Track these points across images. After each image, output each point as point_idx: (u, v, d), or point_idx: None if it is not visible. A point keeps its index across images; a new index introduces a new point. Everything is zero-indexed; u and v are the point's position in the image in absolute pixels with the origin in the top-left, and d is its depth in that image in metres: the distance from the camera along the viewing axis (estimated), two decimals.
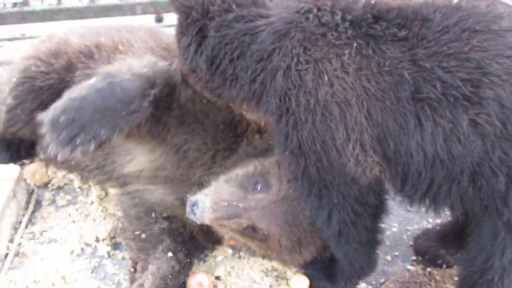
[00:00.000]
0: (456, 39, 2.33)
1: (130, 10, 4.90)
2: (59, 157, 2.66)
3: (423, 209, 2.61)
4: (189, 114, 2.94)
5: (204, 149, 3.01)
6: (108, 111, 2.66)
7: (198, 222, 2.75)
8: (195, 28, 2.68)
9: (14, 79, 3.56)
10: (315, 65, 2.43)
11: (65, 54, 3.50)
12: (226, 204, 2.69)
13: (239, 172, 2.85)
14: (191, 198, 2.73)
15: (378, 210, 2.75)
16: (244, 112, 2.94)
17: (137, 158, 3.17)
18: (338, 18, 2.45)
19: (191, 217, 2.72)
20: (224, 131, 3.01)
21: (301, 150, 2.54)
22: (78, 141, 2.59)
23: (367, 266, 2.92)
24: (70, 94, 2.72)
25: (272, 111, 2.57)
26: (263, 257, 3.06)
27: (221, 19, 2.62)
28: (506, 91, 2.26)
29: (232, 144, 3.01)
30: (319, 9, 2.49)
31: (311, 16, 2.48)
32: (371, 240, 2.82)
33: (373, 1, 2.53)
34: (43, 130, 2.65)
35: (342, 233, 2.70)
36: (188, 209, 2.72)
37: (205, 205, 2.67)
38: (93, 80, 2.75)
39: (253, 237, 2.80)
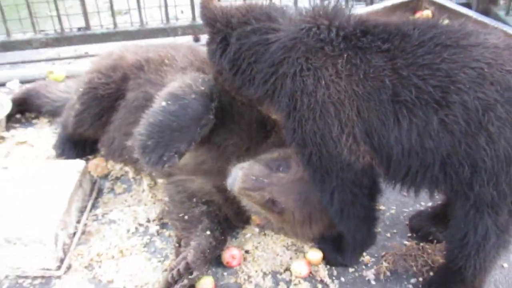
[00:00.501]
0: (430, 52, 2.34)
1: (172, 32, 4.93)
2: (153, 174, 2.87)
3: (405, 190, 2.63)
4: (228, 116, 2.93)
5: (240, 144, 3.00)
6: (184, 129, 2.73)
7: (229, 189, 2.80)
8: (219, 37, 2.73)
9: (81, 89, 3.58)
10: (315, 72, 2.46)
11: (121, 68, 3.51)
12: (254, 178, 2.74)
13: (267, 156, 2.88)
14: (230, 170, 2.81)
15: (373, 191, 2.75)
16: (271, 114, 2.95)
17: None
18: (333, 34, 2.48)
19: (228, 184, 2.80)
20: (256, 128, 3.01)
21: (304, 141, 2.56)
22: (165, 158, 2.70)
23: (368, 239, 2.92)
24: (149, 119, 2.78)
25: (283, 108, 2.60)
26: (280, 230, 3.05)
27: (241, 30, 2.66)
28: (470, 97, 2.27)
29: (263, 139, 3.01)
30: (318, 27, 2.52)
31: (311, 33, 2.51)
32: (369, 216, 2.82)
33: (363, 19, 2.56)
34: (136, 155, 2.77)
35: (343, 211, 2.70)
36: (228, 180, 2.80)
37: (237, 175, 2.74)
38: (165, 103, 2.79)
39: (272, 210, 2.81)
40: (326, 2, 2.71)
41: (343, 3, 4.98)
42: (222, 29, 2.72)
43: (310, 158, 2.60)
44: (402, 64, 2.36)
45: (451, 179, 2.43)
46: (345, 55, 2.44)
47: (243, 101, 2.90)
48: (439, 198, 2.96)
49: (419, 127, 2.35)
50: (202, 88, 2.83)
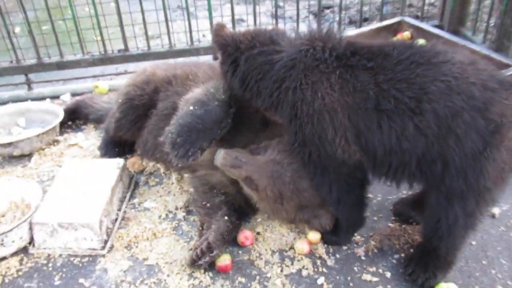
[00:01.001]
0: (406, 69, 2.33)
1: (196, 52, 4.90)
2: (179, 165, 2.82)
3: (388, 183, 2.61)
4: (238, 119, 2.89)
5: (246, 141, 2.95)
6: (208, 130, 2.72)
7: (215, 164, 2.77)
8: (230, 59, 2.70)
9: (120, 100, 3.58)
10: (312, 86, 2.43)
11: (153, 82, 3.49)
12: (234, 157, 2.71)
13: (252, 146, 2.86)
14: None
15: (364, 182, 2.72)
16: (272, 117, 2.92)
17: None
18: (327, 54, 2.46)
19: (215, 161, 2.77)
20: (259, 128, 2.98)
21: (305, 143, 2.54)
22: (190, 153, 2.68)
23: (359, 222, 2.91)
24: (179, 120, 2.76)
25: (285, 116, 2.57)
26: (264, 210, 3.00)
27: (249, 54, 2.63)
28: (440, 105, 2.26)
29: (261, 133, 2.97)
30: (314, 49, 2.49)
31: (309, 54, 2.48)
32: (360, 203, 2.81)
33: (352, 41, 2.55)
34: (166, 149, 2.75)
35: (340, 199, 2.68)
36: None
37: (220, 154, 2.71)
38: (192, 108, 2.77)
39: (250, 186, 2.80)
40: (322, 26, 2.67)
41: (336, 26, 4.93)
42: (232, 53, 2.69)
43: (310, 157, 2.57)
44: (383, 79, 2.35)
45: (426, 174, 2.42)
46: (338, 72, 2.42)
47: (251, 107, 2.87)
48: (418, 187, 2.90)
49: (397, 132, 2.33)
50: (223, 96, 2.81)
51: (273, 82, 2.56)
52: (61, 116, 4.06)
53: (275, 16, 4.87)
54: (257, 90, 2.65)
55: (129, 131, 3.60)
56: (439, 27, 4.79)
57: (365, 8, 5.66)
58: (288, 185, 2.74)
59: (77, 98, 4.37)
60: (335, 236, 2.96)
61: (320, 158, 2.55)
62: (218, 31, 2.77)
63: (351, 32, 4.36)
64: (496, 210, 3.13)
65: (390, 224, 3.09)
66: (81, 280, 2.81)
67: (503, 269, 2.79)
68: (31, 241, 3.00)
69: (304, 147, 2.56)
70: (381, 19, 4.84)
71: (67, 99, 4.64)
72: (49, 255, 2.97)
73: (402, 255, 2.89)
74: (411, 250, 2.88)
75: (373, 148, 2.42)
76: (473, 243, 2.94)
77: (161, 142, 2.88)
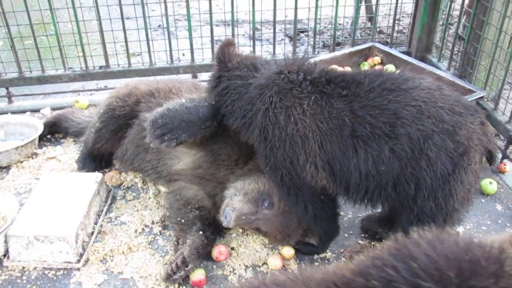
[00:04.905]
0: (378, 95, 2.35)
1: (175, 70, 4.85)
2: (151, 145, 2.73)
3: (364, 206, 2.61)
4: (226, 130, 2.85)
5: (231, 154, 2.94)
6: (191, 123, 2.67)
7: (224, 225, 2.74)
8: (217, 74, 2.71)
9: (101, 110, 3.52)
10: (286, 110, 2.41)
11: (135, 94, 3.44)
12: (244, 217, 2.69)
13: (252, 187, 2.78)
14: (224, 209, 2.71)
15: (336, 196, 2.72)
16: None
17: (183, 160, 3.11)
18: (301, 78, 2.45)
19: (222, 220, 2.71)
20: (245, 146, 2.88)
21: (276, 166, 2.51)
22: (166, 138, 2.62)
23: (335, 231, 2.92)
24: (168, 106, 2.74)
25: (255, 138, 2.54)
26: (264, 236, 3.01)
27: (230, 74, 2.63)
28: (413, 129, 2.28)
29: (250, 154, 2.91)
30: (289, 72, 2.48)
31: (283, 76, 2.47)
32: (334, 214, 2.82)
33: (325, 68, 2.57)
34: (145, 124, 2.70)
35: (316, 215, 2.67)
36: (221, 217, 2.71)
37: (231, 218, 2.65)
38: (183, 100, 2.77)
39: (259, 232, 2.87)
40: (296, 53, 2.70)
41: (311, 49, 4.96)
42: (221, 69, 2.70)
43: (282, 179, 2.56)
44: (358, 107, 2.36)
45: (400, 195, 2.41)
46: (312, 97, 2.41)
47: None
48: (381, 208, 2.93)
49: (374, 156, 2.34)
50: (213, 102, 2.79)
51: (247, 103, 2.54)
52: (40, 129, 3.97)
53: (253, 38, 4.88)
54: (231, 109, 2.63)
55: (109, 141, 3.52)
56: (407, 53, 4.87)
57: (338, 33, 5.72)
58: (293, 225, 2.81)
59: (57, 111, 4.28)
60: (313, 248, 2.95)
61: (292, 180, 2.54)
62: (223, 45, 2.75)
63: (325, 56, 4.40)
64: (460, 229, 3.15)
65: (360, 241, 3.08)
66: None
67: None
68: (6, 254, 2.90)
69: (275, 170, 2.55)
70: (353, 44, 4.90)
71: (47, 112, 4.53)
72: (23, 267, 2.86)
73: None
74: None
75: (348, 173, 2.41)
76: None
77: (144, 117, 2.84)
